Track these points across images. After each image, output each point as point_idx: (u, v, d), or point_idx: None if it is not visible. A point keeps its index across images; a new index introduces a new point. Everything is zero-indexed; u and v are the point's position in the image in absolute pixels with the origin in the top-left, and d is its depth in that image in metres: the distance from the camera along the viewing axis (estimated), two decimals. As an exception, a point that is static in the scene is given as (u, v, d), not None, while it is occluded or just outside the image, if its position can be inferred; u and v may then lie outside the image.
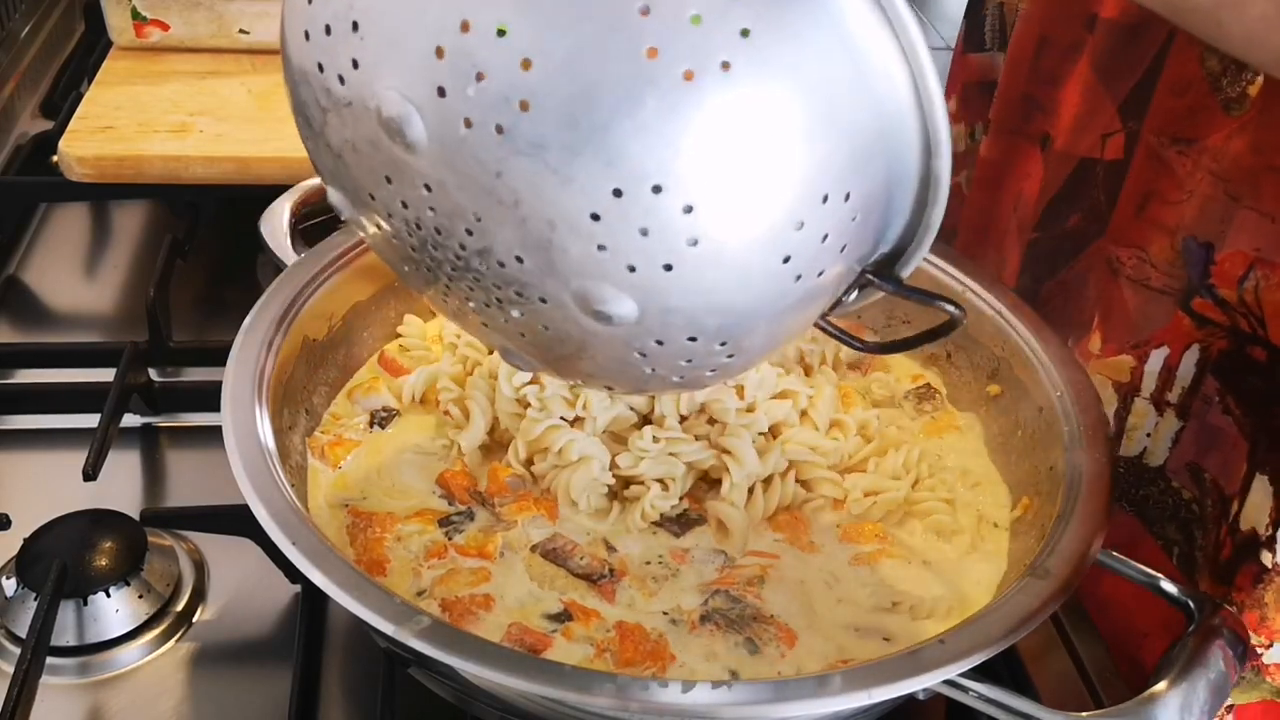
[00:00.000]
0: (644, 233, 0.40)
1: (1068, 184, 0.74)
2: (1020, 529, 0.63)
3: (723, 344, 0.45)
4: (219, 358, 0.61)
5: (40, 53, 1.16)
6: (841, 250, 0.44)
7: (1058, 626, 0.68)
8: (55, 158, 0.89)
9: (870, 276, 0.48)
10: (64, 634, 0.61)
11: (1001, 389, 0.69)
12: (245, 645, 0.64)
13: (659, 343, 0.45)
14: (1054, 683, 0.65)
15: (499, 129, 0.40)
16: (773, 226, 0.42)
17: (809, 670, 0.55)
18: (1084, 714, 0.48)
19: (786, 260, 0.43)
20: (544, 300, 0.44)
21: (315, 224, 0.73)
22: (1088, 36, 0.71)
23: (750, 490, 0.64)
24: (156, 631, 0.63)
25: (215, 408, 0.57)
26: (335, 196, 0.50)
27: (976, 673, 0.49)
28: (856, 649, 0.57)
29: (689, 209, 0.40)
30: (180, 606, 0.65)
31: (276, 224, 0.71)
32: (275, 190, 0.73)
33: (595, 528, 0.62)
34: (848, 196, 0.43)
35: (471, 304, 0.48)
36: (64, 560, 0.62)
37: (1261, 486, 0.61)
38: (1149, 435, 0.67)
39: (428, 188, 0.43)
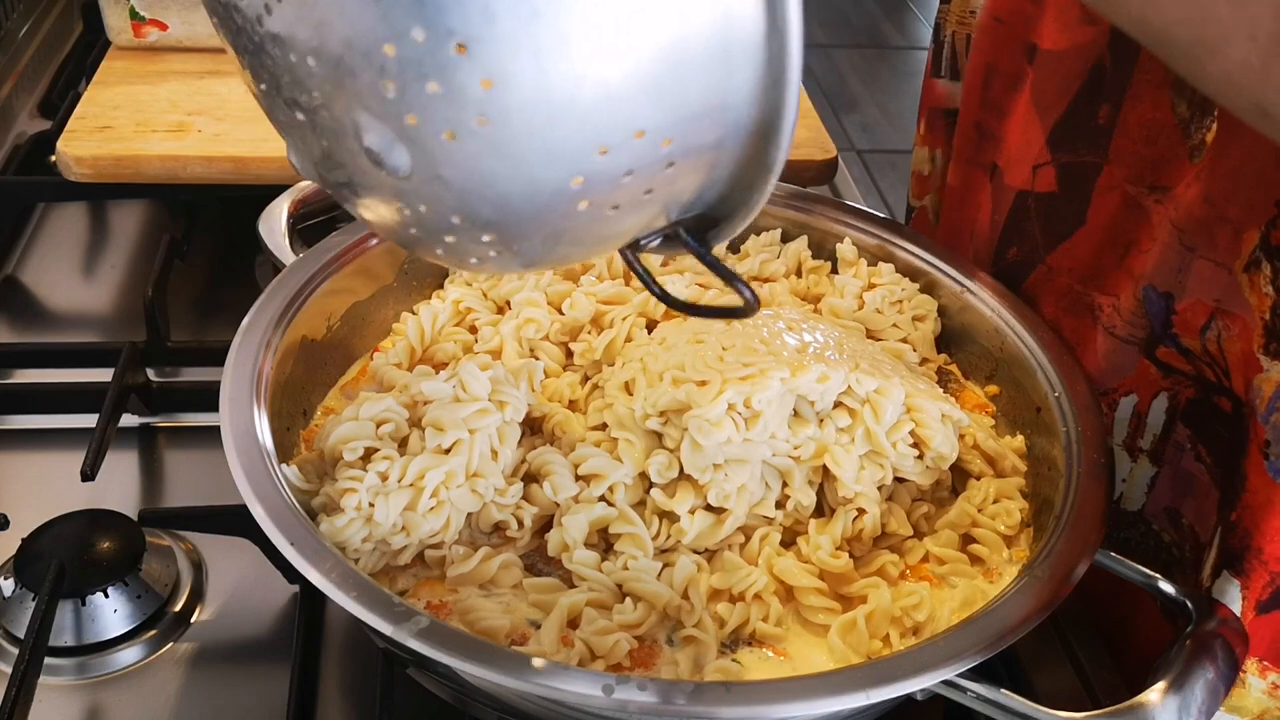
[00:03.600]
0: (434, 91, 0.37)
1: (1009, 218, 0.73)
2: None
3: (489, 237, 0.42)
4: (217, 358, 0.61)
5: (38, 52, 1.16)
6: (646, 193, 0.41)
7: (1056, 627, 0.68)
8: (53, 157, 0.89)
9: (680, 231, 0.45)
10: (62, 634, 0.61)
11: (1000, 389, 0.69)
12: (243, 645, 0.64)
13: (423, 207, 0.42)
14: (1052, 683, 0.65)
15: None
16: (572, 141, 0.38)
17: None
18: (1082, 714, 0.48)
19: (578, 182, 0.39)
20: (327, 114, 0.41)
21: (314, 224, 0.73)
22: (1029, 68, 0.70)
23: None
24: (154, 632, 0.63)
25: (213, 408, 0.57)
26: None
27: (974, 673, 0.49)
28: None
29: (489, 83, 0.36)
30: (178, 607, 0.65)
31: (275, 224, 0.71)
32: (273, 190, 0.73)
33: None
34: (669, 141, 0.39)
35: (264, 86, 0.43)
36: (62, 560, 0.62)
37: (1219, 539, 0.60)
38: (1124, 480, 0.66)
39: None
